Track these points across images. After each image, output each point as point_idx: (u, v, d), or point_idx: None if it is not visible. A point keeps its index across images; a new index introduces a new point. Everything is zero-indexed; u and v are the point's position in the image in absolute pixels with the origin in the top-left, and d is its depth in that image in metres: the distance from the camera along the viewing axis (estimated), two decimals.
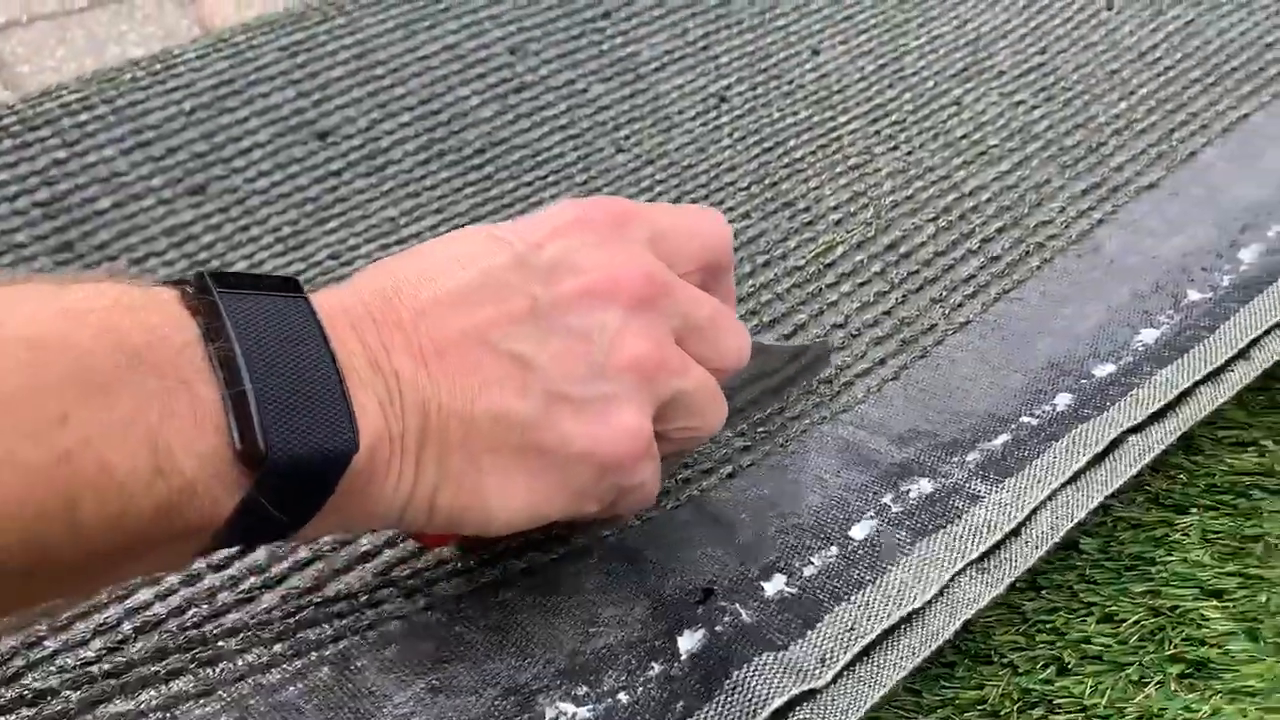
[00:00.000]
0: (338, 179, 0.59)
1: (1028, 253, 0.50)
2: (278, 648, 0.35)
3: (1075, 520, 0.36)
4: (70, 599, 0.34)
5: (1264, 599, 0.36)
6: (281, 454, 0.25)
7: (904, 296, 0.49)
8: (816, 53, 0.69)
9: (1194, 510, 0.40)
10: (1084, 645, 0.35)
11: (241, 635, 0.35)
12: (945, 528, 0.36)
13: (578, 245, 0.31)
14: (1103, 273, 0.48)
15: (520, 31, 0.69)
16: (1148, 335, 0.46)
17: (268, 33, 0.66)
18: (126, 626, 0.36)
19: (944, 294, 0.49)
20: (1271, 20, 0.67)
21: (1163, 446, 0.39)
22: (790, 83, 0.66)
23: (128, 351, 0.23)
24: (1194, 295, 0.47)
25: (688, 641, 0.35)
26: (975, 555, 0.35)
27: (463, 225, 0.57)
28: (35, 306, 0.24)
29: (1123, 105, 0.60)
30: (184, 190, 0.57)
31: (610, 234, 0.32)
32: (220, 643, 0.35)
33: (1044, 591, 0.37)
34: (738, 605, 0.36)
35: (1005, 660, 0.35)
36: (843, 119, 0.63)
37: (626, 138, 0.62)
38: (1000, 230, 0.52)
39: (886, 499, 0.39)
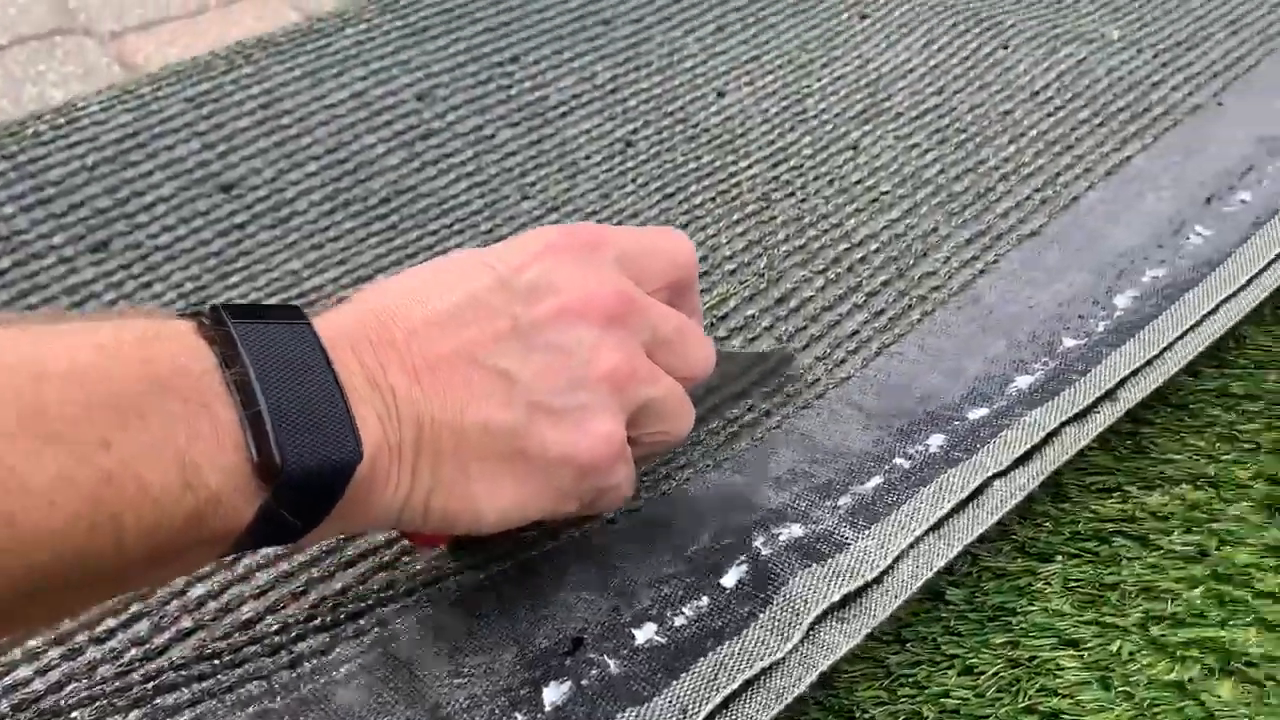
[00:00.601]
0: (241, 232, 0.59)
1: (910, 305, 0.51)
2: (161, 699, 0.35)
3: (935, 569, 0.37)
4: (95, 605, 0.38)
5: (1117, 647, 0.38)
6: (295, 466, 0.28)
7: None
8: (722, 94, 0.70)
9: (1058, 558, 0.41)
10: (943, 699, 0.37)
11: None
12: (809, 574, 0.37)
13: (554, 268, 0.34)
14: (980, 325, 0.50)
15: (428, 78, 0.69)
16: (1022, 381, 0.47)
17: (174, 84, 0.66)
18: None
19: (828, 350, 0.50)
20: (1160, 59, 0.70)
21: (1025, 492, 0.40)
22: (696, 126, 0.67)
23: (156, 380, 0.26)
24: (1069, 342, 0.49)
25: (553, 694, 0.36)
26: (836, 598, 0.36)
27: (366, 277, 0.57)
28: (73, 342, 0.26)
29: (1012, 148, 0.62)
30: (86, 248, 0.57)
31: (583, 257, 0.35)
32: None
33: (909, 644, 0.39)
34: (606, 656, 0.37)
35: (867, 715, 0.37)
36: (744, 164, 0.64)
37: (533, 184, 0.63)
38: (885, 283, 0.53)
39: (759, 543, 0.40)
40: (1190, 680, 0.36)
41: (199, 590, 0.40)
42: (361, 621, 0.39)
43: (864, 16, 0.77)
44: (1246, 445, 0.45)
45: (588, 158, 0.65)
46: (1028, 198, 0.58)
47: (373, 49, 0.71)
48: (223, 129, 0.64)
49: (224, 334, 0.28)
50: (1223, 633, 0.38)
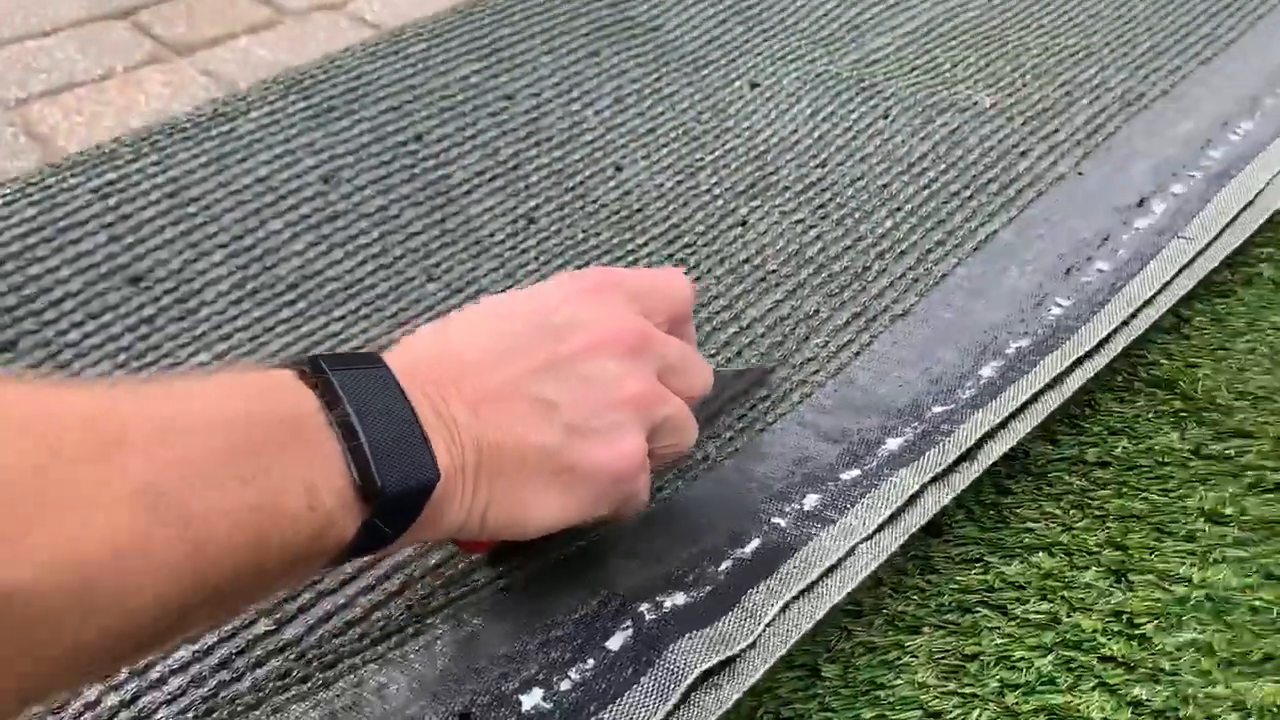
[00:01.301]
0: (150, 325, 0.60)
1: (790, 389, 0.55)
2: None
3: (803, 632, 0.41)
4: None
5: (974, 716, 0.41)
6: (390, 488, 0.34)
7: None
8: (619, 169, 0.73)
9: (924, 630, 0.45)
10: None
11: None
12: (689, 640, 0.41)
13: (579, 309, 0.41)
14: (854, 405, 0.53)
15: (333, 159, 0.71)
16: (892, 444, 0.51)
17: (79, 174, 0.67)
18: None
19: (718, 431, 0.53)
20: (1028, 126, 0.74)
21: (888, 553, 0.44)
22: (594, 201, 0.70)
23: (282, 424, 0.33)
24: (937, 409, 0.53)
25: None
26: (712, 663, 0.39)
27: (274, 364, 0.59)
28: (221, 394, 0.33)
29: (889, 223, 0.66)
30: None
31: (602, 298, 0.41)
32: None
33: None
34: None
35: None
36: (641, 240, 0.67)
37: (438, 265, 0.65)
38: (769, 371, 0.56)
39: (644, 608, 0.43)
40: None
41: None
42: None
43: (754, 85, 0.80)
44: (1096, 512, 0.49)
45: (491, 235, 0.68)
46: (901, 276, 0.61)
47: (278, 132, 0.72)
48: (129, 220, 0.65)
49: (324, 380, 0.34)
50: (1069, 698, 0.41)
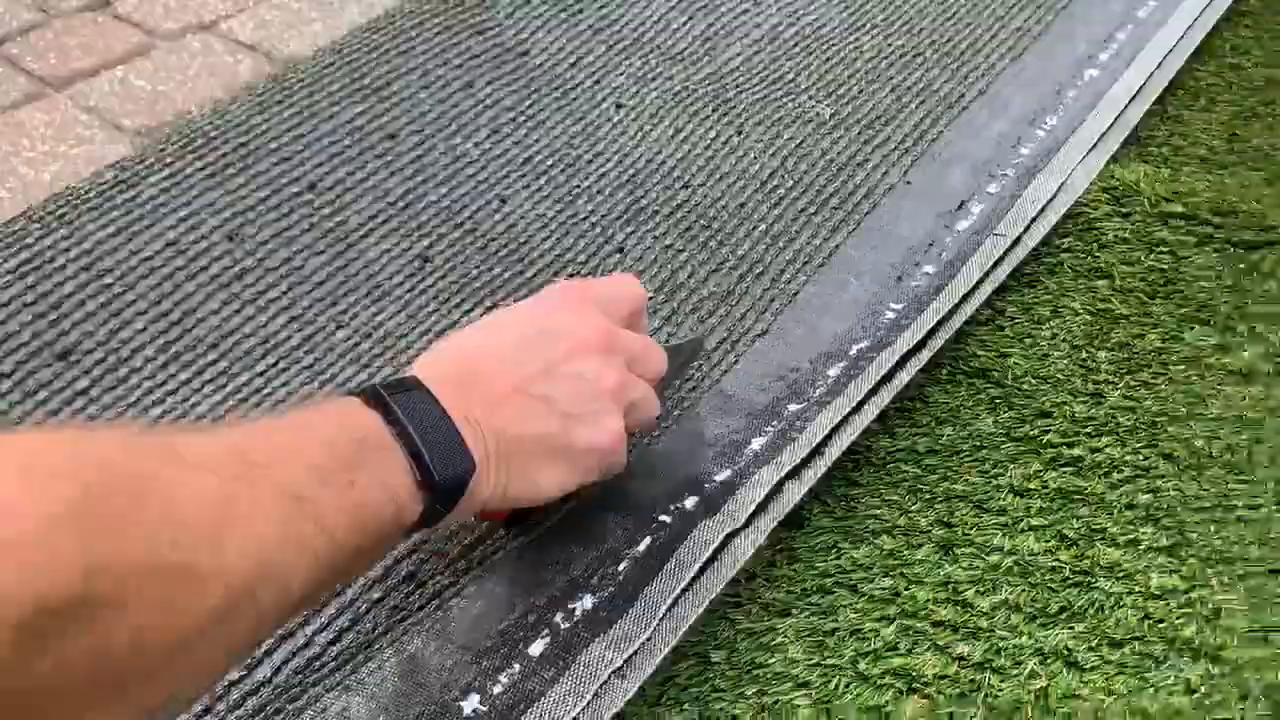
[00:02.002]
0: (85, 397, 0.66)
1: (672, 409, 0.63)
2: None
3: (688, 624, 0.51)
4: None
5: (834, 683, 0.51)
6: (442, 480, 0.45)
7: None
8: (504, 201, 0.80)
9: (793, 613, 0.54)
10: None
11: None
12: (597, 642, 0.51)
13: (561, 319, 0.52)
14: (723, 410, 0.62)
15: (235, 216, 0.77)
16: (755, 444, 0.60)
17: None
18: None
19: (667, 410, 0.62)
20: (863, 136, 0.83)
21: (754, 545, 0.54)
22: (484, 235, 0.77)
23: (363, 440, 0.44)
24: (792, 407, 0.62)
25: None
26: (619, 663, 0.49)
27: (204, 423, 0.65)
28: (318, 423, 0.44)
29: (747, 244, 0.74)
30: None
31: (577, 308, 0.53)
32: None
33: (685, 705, 0.51)
34: None
35: None
36: (530, 273, 0.74)
37: (344, 311, 0.72)
38: None
39: (558, 617, 0.53)
40: (885, 703, 0.50)
41: None
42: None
43: (620, 106, 0.87)
44: (927, 496, 0.59)
45: (390, 278, 0.74)
46: (760, 297, 0.70)
47: (179, 194, 0.77)
48: (50, 296, 0.70)
49: (383, 403, 0.45)
50: (908, 660, 0.51)
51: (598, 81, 0.90)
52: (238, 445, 0.39)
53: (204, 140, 0.81)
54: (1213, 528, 0.55)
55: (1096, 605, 0.52)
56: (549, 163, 0.83)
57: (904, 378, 0.63)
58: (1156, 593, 0.53)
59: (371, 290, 0.73)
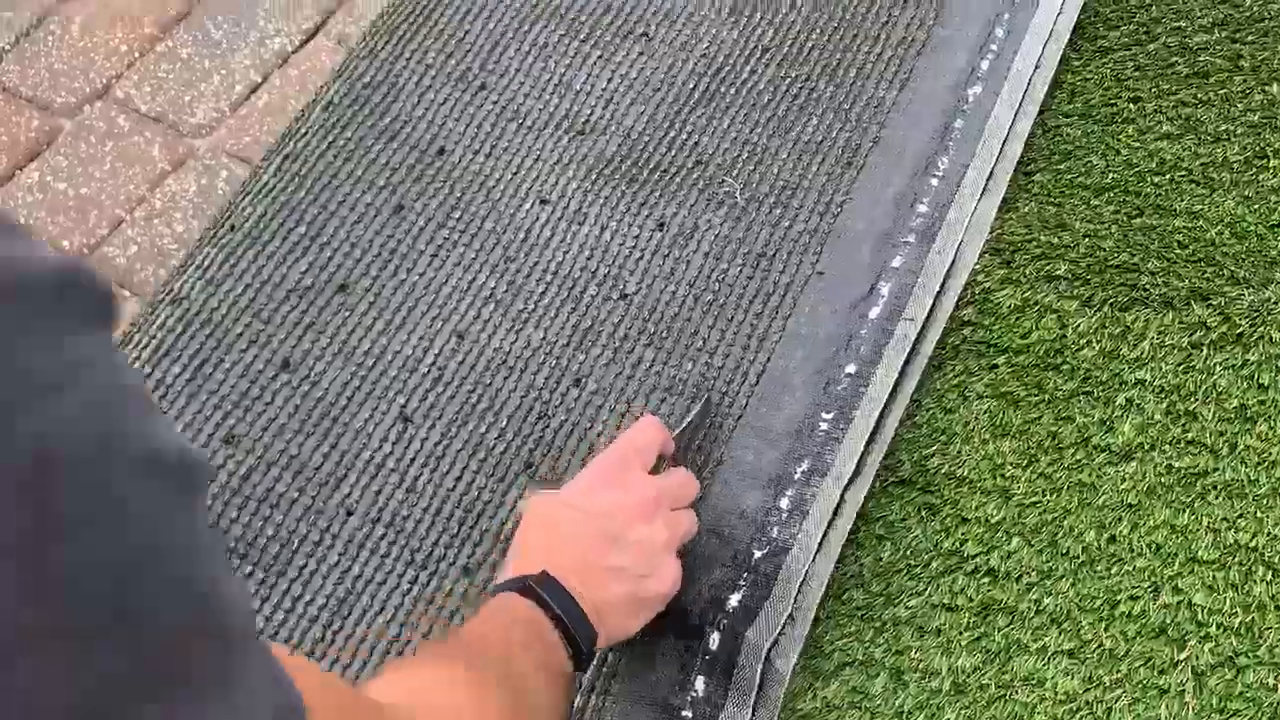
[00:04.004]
0: None
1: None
2: None
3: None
4: None
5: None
6: (584, 644, 0.60)
7: None
8: (461, 337, 0.87)
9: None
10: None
11: None
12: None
13: (612, 495, 0.66)
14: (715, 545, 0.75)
15: (226, 417, 0.84)
16: (733, 599, 0.73)
17: None
18: None
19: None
20: (774, 214, 0.90)
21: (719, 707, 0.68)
22: (452, 383, 0.85)
23: (530, 623, 0.59)
24: (757, 553, 0.74)
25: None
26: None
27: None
28: (500, 611, 0.59)
29: (688, 364, 0.83)
30: None
31: (618, 480, 0.67)
32: None
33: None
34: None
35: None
36: (503, 420, 0.83)
37: (348, 496, 0.81)
38: None
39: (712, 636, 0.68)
40: None
41: None
42: None
43: (544, 202, 0.93)
44: (876, 623, 0.72)
45: (380, 446, 0.83)
46: (709, 425, 0.80)
47: (165, 407, 0.84)
48: None
49: (535, 593, 0.60)
50: None
51: (516, 172, 0.94)
52: (455, 651, 0.55)
53: (166, 335, 0.87)
54: (1102, 625, 0.69)
55: (1016, 718, 0.67)
56: (492, 284, 0.89)
57: (851, 510, 0.74)
58: (1062, 698, 0.67)
59: (367, 465, 0.82)
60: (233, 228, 0.91)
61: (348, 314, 0.88)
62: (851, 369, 0.81)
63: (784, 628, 0.70)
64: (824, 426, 0.79)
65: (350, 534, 0.79)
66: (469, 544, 0.78)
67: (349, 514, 0.80)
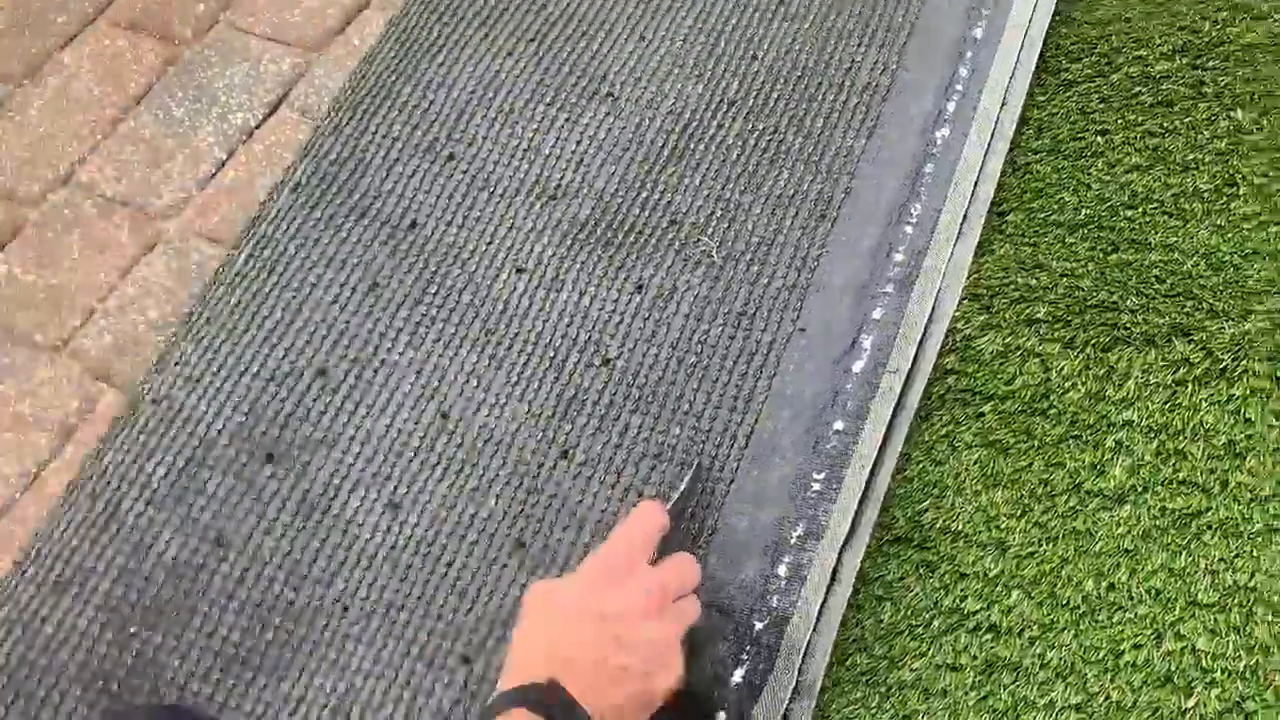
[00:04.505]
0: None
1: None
2: None
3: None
4: None
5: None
6: None
7: None
8: (445, 415, 0.86)
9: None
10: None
11: None
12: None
13: (617, 597, 0.65)
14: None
15: (215, 518, 0.83)
16: (737, 673, 0.72)
17: None
18: None
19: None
20: (752, 270, 0.89)
21: None
22: (439, 464, 0.84)
23: None
24: (758, 625, 0.74)
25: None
26: None
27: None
28: None
29: (676, 429, 0.83)
30: None
31: (625, 580, 0.66)
32: None
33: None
34: None
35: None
36: (492, 500, 0.82)
37: (343, 590, 0.80)
38: None
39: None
40: None
41: None
42: None
43: (520, 270, 0.92)
44: (882, 689, 0.72)
45: (371, 537, 0.82)
46: (701, 492, 0.79)
47: (152, 521, 0.83)
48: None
49: (546, 709, 0.59)
50: None
51: (491, 241, 0.94)
52: None
53: (149, 437, 0.86)
54: (1108, 677, 0.69)
55: None
56: (474, 358, 0.88)
57: (850, 574, 0.74)
58: None
59: (359, 557, 0.81)
60: (208, 320, 0.90)
61: (330, 399, 0.87)
62: (839, 426, 0.81)
63: (790, 702, 0.70)
64: (816, 487, 0.78)
65: (347, 630, 0.79)
66: (465, 631, 0.77)
67: (345, 609, 0.79)
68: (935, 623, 0.73)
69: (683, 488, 0.77)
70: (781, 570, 0.75)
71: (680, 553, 0.70)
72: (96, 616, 0.79)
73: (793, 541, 0.76)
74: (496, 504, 0.82)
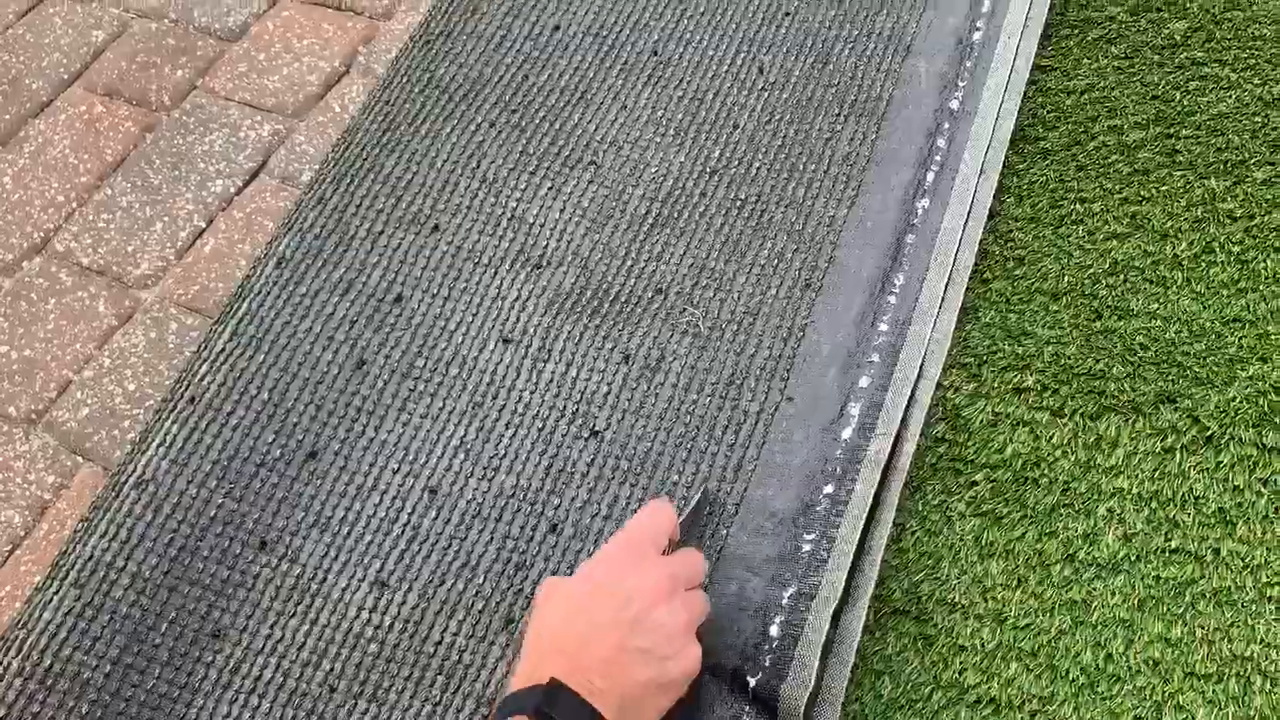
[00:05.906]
0: None
1: None
2: None
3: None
4: None
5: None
6: None
7: None
8: (434, 492, 0.85)
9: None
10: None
11: None
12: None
13: (632, 581, 0.65)
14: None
15: (211, 609, 0.81)
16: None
17: None
18: None
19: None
20: (739, 341, 0.89)
21: None
22: (426, 541, 0.83)
23: None
24: (752, 680, 0.73)
25: None
26: None
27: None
28: None
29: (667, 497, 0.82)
30: None
31: (640, 564, 0.67)
32: None
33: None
34: None
35: None
36: (480, 578, 0.81)
37: (330, 671, 0.79)
38: None
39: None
40: None
41: None
42: None
43: (506, 341, 0.92)
44: None
45: (357, 614, 0.80)
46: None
47: (143, 607, 0.81)
48: None
49: (545, 714, 0.59)
50: None
51: (476, 313, 0.93)
52: None
53: (136, 523, 0.84)
54: None
55: None
56: (461, 432, 0.88)
57: (852, 650, 0.73)
58: None
59: (346, 637, 0.80)
60: (192, 400, 0.89)
61: (319, 482, 0.86)
62: (829, 489, 0.80)
63: None
64: (806, 548, 0.78)
65: (334, 713, 0.77)
66: (452, 710, 0.76)
67: (332, 691, 0.78)
68: (935, 697, 0.72)
69: (690, 506, 0.79)
70: (774, 630, 0.74)
71: (687, 548, 0.73)
72: (90, 711, 0.77)
73: (784, 601, 0.76)
74: (484, 580, 0.81)
